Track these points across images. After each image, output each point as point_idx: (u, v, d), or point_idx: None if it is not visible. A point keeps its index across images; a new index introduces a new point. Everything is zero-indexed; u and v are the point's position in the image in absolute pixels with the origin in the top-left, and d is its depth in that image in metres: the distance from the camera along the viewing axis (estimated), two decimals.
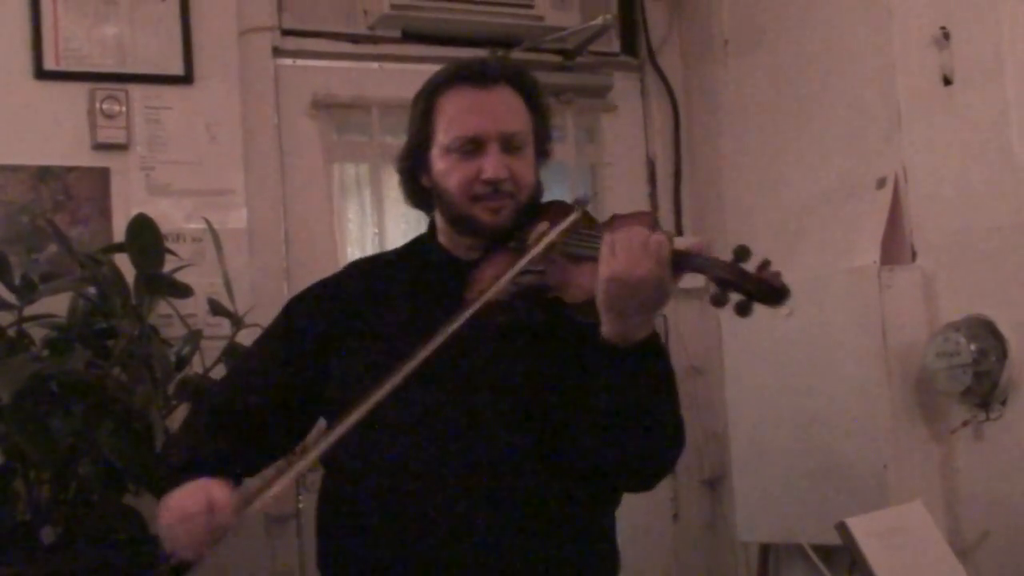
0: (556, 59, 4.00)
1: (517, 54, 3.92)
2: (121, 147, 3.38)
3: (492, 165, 2.19)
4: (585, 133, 4.09)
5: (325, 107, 3.74)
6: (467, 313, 2.04)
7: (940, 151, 3.13)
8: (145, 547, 2.91)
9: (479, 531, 2.10)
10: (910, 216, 3.22)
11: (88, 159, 3.36)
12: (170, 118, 3.44)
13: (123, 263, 3.01)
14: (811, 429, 3.31)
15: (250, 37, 3.61)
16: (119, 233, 3.22)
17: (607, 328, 2.02)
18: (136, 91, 3.41)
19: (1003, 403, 2.97)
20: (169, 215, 3.37)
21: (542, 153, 2.33)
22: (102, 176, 3.37)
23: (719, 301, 1.99)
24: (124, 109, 3.37)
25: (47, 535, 2.90)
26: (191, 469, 2.16)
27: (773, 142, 3.72)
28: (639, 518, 3.99)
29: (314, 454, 2.02)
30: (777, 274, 1.97)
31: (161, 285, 3.01)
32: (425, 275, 2.32)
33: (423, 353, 2.01)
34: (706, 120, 4.04)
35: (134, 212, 3.14)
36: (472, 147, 2.21)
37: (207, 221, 3.23)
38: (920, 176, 3.20)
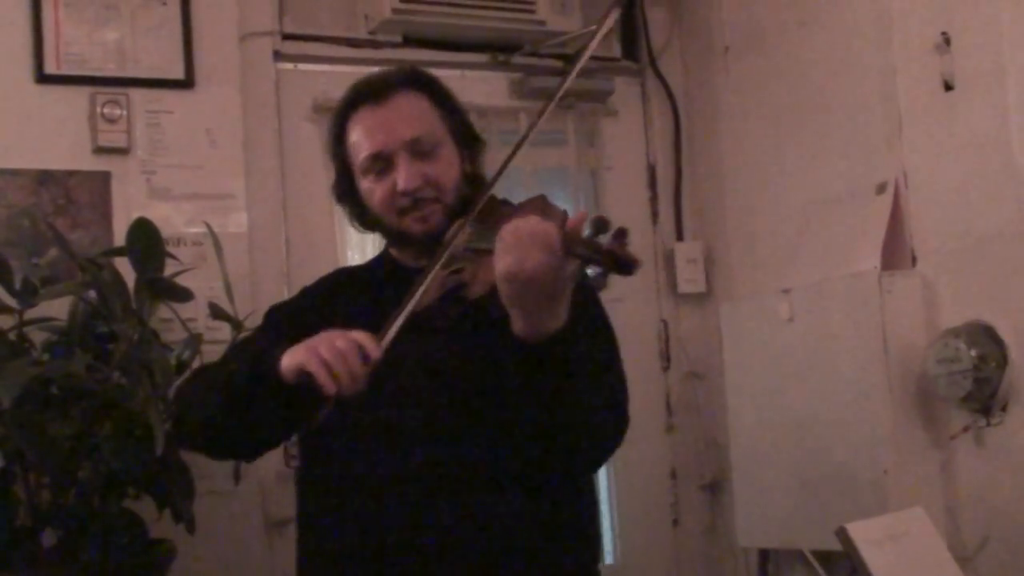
0: (557, 64, 4.00)
1: (518, 59, 3.92)
2: (122, 151, 3.38)
3: (403, 177, 2.23)
4: (586, 137, 4.10)
5: (326, 111, 3.71)
6: (395, 325, 2.07)
7: (941, 156, 3.13)
8: (145, 551, 2.93)
9: (446, 531, 2.13)
10: (910, 222, 3.22)
11: (89, 163, 3.36)
12: (171, 122, 3.44)
13: (124, 267, 3.00)
14: (811, 434, 3.32)
15: (251, 41, 3.61)
16: (120, 237, 3.23)
17: (516, 324, 1.97)
18: (137, 95, 3.41)
19: (1003, 409, 2.96)
20: (170, 219, 3.37)
21: (468, 144, 2.34)
22: (103, 180, 3.37)
23: (581, 276, 1.92)
24: (125, 113, 3.37)
25: (47, 539, 2.89)
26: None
27: (774, 147, 3.72)
28: (639, 523, 4.00)
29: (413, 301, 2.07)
30: (623, 245, 1.84)
31: (162, 289, 3.00)
32: (378, 284, 2.36)
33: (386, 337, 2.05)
34: (707, 125, 4.05)
35: (135, 216, 3.13)
36: (382, 164, 2.25)
37: (208, 225, 3.23)
38: (921, 181, 3.20)
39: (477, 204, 2.17)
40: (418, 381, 2.20)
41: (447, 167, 2.27)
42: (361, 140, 2.28)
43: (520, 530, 2.16)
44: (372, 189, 2.28)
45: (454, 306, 2.15)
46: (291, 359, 2.05)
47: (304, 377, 2.02)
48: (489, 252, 2.01)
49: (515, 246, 1.90)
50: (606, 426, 2.17)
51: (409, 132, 2.25)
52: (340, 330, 2.03)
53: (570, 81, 2.24)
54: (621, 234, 1.85)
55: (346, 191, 2.36)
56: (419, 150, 2.24)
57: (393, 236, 2.33)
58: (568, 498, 2.26)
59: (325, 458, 2.26)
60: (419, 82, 2.33)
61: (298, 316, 2.38)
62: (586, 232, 1.88)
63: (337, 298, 2.39)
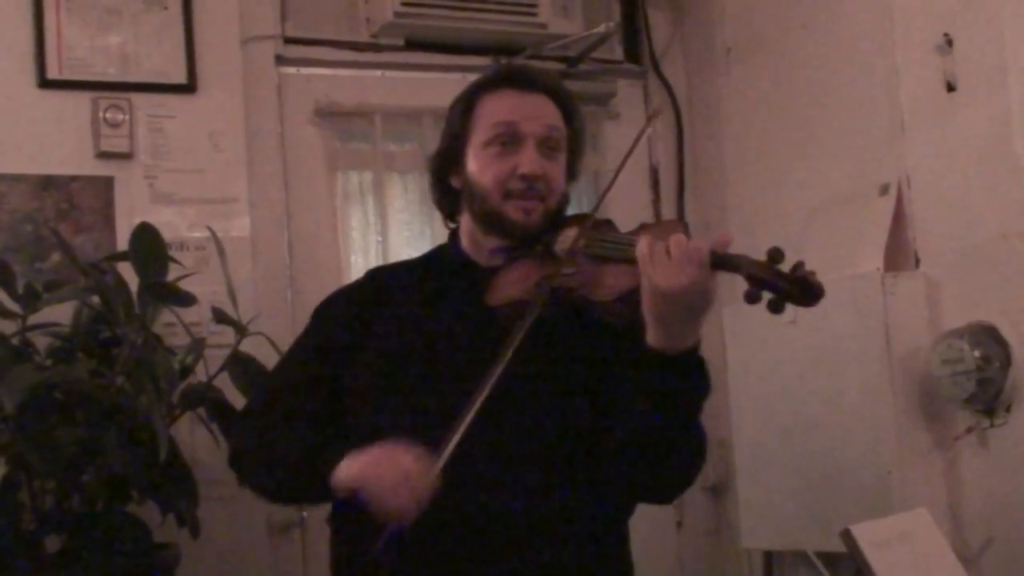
0: (559, 66, 4.00)
1: (520, 61, 3.92)
2: (124, 156, 3.38)
3: (529, 160, 2.20)
4: (588, 140, 4.08)
5: (328, 115, 3.74)
6: (529, 319, 2.03)
7: (943, 158, 3.13)
8: (149, 556, 2.93)
9: (501, 540, 2.09)
10: (913, 223, 3.22)
11: (91, 168, 3.37)
12: (173, 127, 3.45)
13: (127, 272, 3.01)
14: (815, 436, 3.31)
15: (253, 45, 3.62)
16: (123, 242, 3.23)
17: (654, 336, 2.00)
18: (139, 100, 3.41)
19: (1007, 409, 2.96)
20: (173, 223, 3.37)
21: (571, 169, 2.33)
22: (106, 185, 3.37)
23: (753, 298, 1.98)
24: (127, 118, 3.38)
25: (52, 544, 2.90)
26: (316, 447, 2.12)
27: (776, 149, 3.72)
28: (643, 525, 3.97)
29: (468, 417, 1.98)
30: (813, 273, 1.97)
31: (165, 293, 3.00)
32: (443, 279, 2.31)
33: (498, 369, 1.99)
34: (709, 127, 4.05)
35: (137, 221, 3.14)
36: (509, 140, 2.21)
37: (210, 229, 3.23)
38: (923, 183, 3.20)
39: (595, 210, 2.19)
40: (516, 392, 2.11)
41: (561, 174, 2.27)
42: (498, 110, 2.24)
43: (575, 547, 2.15)
44: (487, 164, 2.22)
45: (555, 306, 2.12)
46: (348, 471, 2.03)
47: (358, 495, 1.99)
48: (614, 260, 2.08)
49: (669, 260, 1.94)
50: (702, 452, 2.21)
51: (548, 122, 2.25)
52: (402, 448, 1.97)
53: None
54: (800, 265, 1.96)
55: (446, 163, 2.31)
56: (548, 145, 2.24)
57: (487, 219, 2.24)
58: (624, 518, 2.30)
59: None
60: (561, 94, 2.32)
61: (356, 319, 2.31)
62: (761, 259, 1.98)
63: (400, 292, 2.32)
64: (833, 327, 3.27)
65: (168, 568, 2.95)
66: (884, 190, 3.28)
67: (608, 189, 2.28)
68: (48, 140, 3.33)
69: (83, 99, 3.36)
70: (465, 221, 2.31)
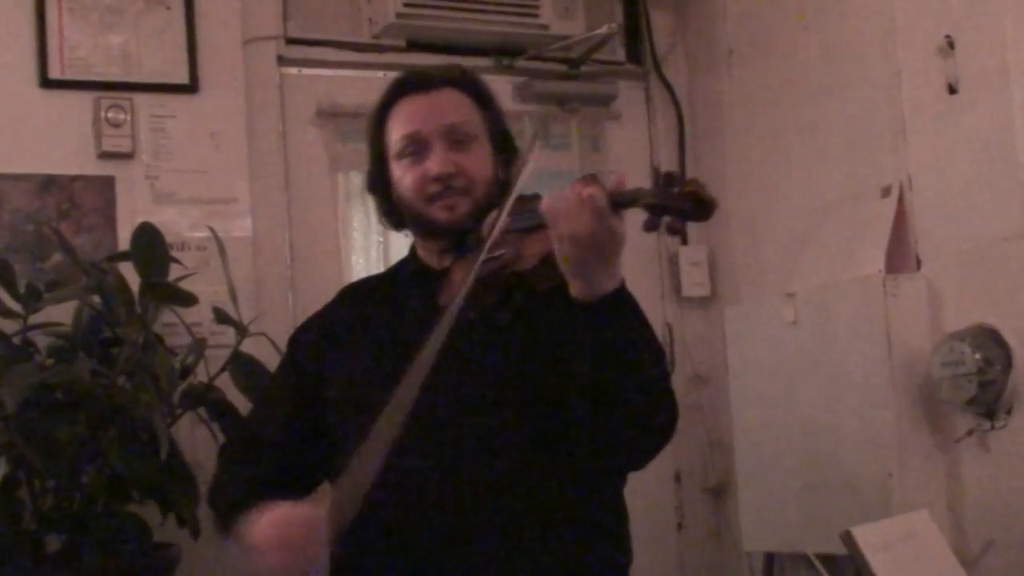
0: (561, 68, 4.01)
1: (522, 63, 3.93)
2: (126, 156, 3.38)
3: (436, 161, 2.24)
4: (590, 141, 4.10)
5: (330, 116, 3.74)
6: (449, 316, 2.02)
7: (945, 160, 3.13)
8: (150, 555, 2.93)
9: (483, 529, 2.11)
10: (915, 225, 3.22)
11: (93, 168, 3.37)
12: (175, 127, 3.45)
13: (128, 272, 3.01)
14: (816, 438, 3.31)
15: (255, 46, 3.62)
16: (124, 242, 3.23)
17: (575, 288, 2.01)
18: (141, 100, 3.41)
19: (1008, 412, 2.96)
20: (174, 224, 3.37)
21: (503, 148, 2.35)
22: (107, 185, 3.37)
23: (651, 226, 1.96)
24: (129, 118, 3.38)
25: (52, 543, 2.90)
26: (249, 500, 2.14)
27: (778, 151, 3.72)
28: (643, 526, 3.97)
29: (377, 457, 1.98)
30: (703, 186, 1.93)
31: (166, 294, 3.00)
32: (403, 288, 2.37)
33: (423, 368, 1.98)
34: (711, 129, 4.05)
35: (139, 221, 3.14)
36: (417, 147, 2.27)
37: (212, 230, 3.23)
38: (925, 185, 3.20)
39: (509, 194, 2.16)
40: (467, 381, 2.18)
41: (480, 162, 2.29)
42: (400, 123, 2.30)
43: (561, 539, 2.14)
44: (404, 174, 2.29)
45: (493, 290, 2.15)
46: (252, 542, 2.05)
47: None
48: (531, 229, 2.09)
49: (565, 211, 1.95)
50: (664, 407, 2.16)
51: (447, 118, 2.28)
52: (287, 510, 2.02)
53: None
54: (693, 181, 1.94)
55: (377, 181, 2.37)
56: (455, 138, 2.27)
57: (418, 224, 2.32)
58: (606, 505, 2.27)
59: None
60: (464, 81, 2.36)
61: (325, 340, 2.37)
62: (654, 185, 1.98)
63: (363, 309, 2.39)
64: (834, 329, 3.27)
65: (168, 568, 2.95)
66: (886, 192, 3.28)
67: (520, 170, 2.21)
68: (50, 140, 3.33)
69: (85, 99, 3.36)
70: (411, 230, 2.39)
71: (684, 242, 3.95)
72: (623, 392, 2.05)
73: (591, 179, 2.10)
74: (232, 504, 2.20)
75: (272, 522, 2.02)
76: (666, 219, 1.95)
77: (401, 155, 2.29)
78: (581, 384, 2.06)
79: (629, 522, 2.33)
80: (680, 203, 1.92)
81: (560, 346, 2.08)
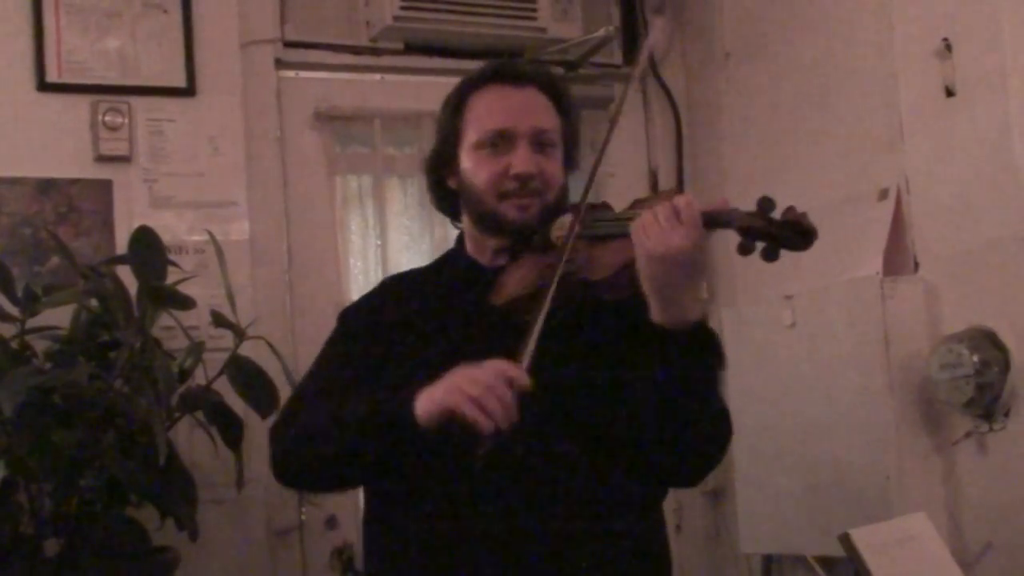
0: (558, 70, 4.01)
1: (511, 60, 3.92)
2: (124, 159, 3.39)
3: (522, 160, 2.18)
4: (587, 144, 4.09)
5: (328, 119, 3.74)
6: (544, 311, 2.01)
7: (942, 162, 3.13)
8: (148, 559, 2.93)
9: (534, 539, 2.07)
10: (912, 227, 3.22)
11: (91, 171, 3.37)
12: (173, 130, 3.45)
13: (126, 275, 3.01)
14: (814, 440, 3.31)
15: (253, 49, 3.62)
16: (122, 245, 3.23)
17: (658, 312, 1.99)
18: (139, 103, 3.41)
19: (1006, 414, 2.96)
20: (172, 227, 3.37)
21: (569, 159, 2.31)
22: (105, 188, 3.37)
23: (746, 249, 1.98)
24: (127, 121, 3.38)
25: (50, 548, 2.90)
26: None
27: (775, 153, 3.72)
28: None
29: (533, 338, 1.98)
30: (804, 215, 1.96)
31: (164, 297, 3.01)
32: (450, 285, 2.29)
33: (526, 359, 1.97)
34: (708, 131, 4.05)
35: (137, 224, 3.14)
36: (502, 142, 2.20)
37: (210, 233, 3.23)
38: (922, 187, 3.20)
39: (585, 195, 2.16)
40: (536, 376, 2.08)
41: (557, 168, 2.25)
42: (489, 113, 2.23)
43: (608, 542, 2.11)
44: (480, 165, 2.21)
45: (558, 294, 2.07)
46: (431, 403, 1.99)
47: (449, 420, 1.95)
48: (606, 238, 2.08)
49: (658, 225, 1.95)
50: (723, 432, 2.15)
51: (540, 121, 2.23)
52: (472, 363, 1.97)
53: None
54: (792, 208, 1.94)
55: (443, 163, 2.29)
56: (541, 142, 2.22)
57: (484, 219, 2.23)
58: (656, 508, 2.25)
59: (418, 479, 2.11)
60: (553, 87, 2.30)
61: (378, 322, 2.28)
62: (751, 209, 1.97)
63: (412, 302, 2.30)
64: (832, 331, 3.27)
65: (166, 571, 2.95)
66: (883, 194, 3.28)
67: (595, 171, 2.22)
68: (47, 143, 3.33)
69: (82, 102, 3.36)
70: (466, 222, 2.30)
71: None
72: (688, 419, 2.05)
73: (673, 191, 2.11)
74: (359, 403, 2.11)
75: (460, 373, 1.97)
76: (761, 245, 1.96)
77: (481, 146, 2.21)
78: (644, 403, 2.05)
79: (668, 539, 2.29)
80: (779, 230, 1.94)
81: (626, 363, 2.06)
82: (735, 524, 3.69)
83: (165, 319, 3.10)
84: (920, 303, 3.16)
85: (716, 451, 2.17)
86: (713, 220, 1.98)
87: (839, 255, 3.38)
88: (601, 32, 3.91)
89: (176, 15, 3.48)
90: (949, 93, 3.09)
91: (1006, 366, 2.94)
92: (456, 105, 2.28)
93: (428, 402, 1.99)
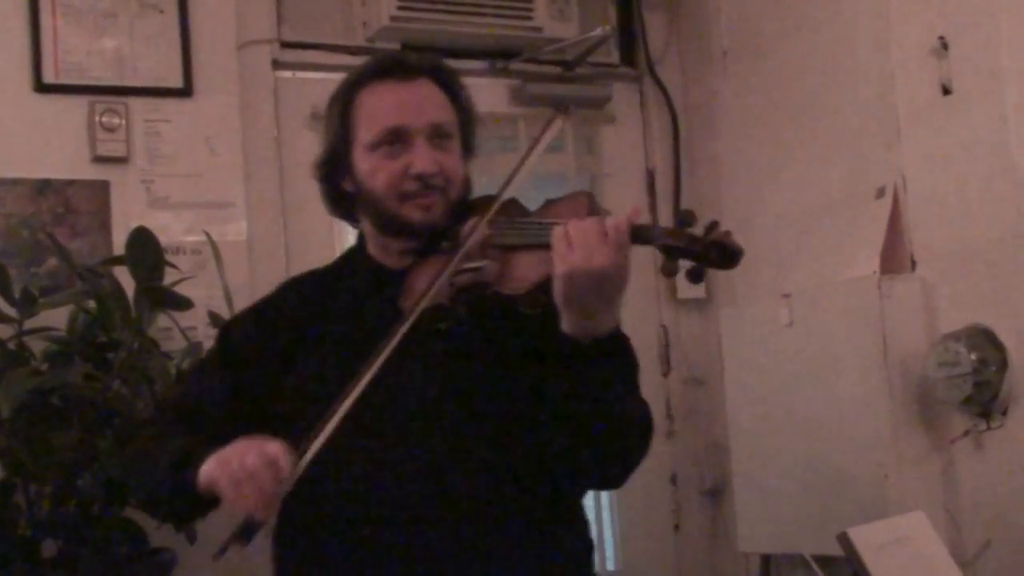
0: (555, 70, 4.01)
1: (516, 65, 3.92)
2: (121, 160, 3.38)
3: (421, 158, 2.08)
4: (584, 144, 4.10)
5: (325, 119, 3.73)
6: (406, 324, 1.94)
7: (939, 161, 3.13)
8: (146, 560, 2.92)
9: (442, 542, 2.01)
10: (910, 226, 3.22)
11: (88, 172, 3.37)
12: (170, 131, 3.45)
13: (123, 276, 3.01)
14: (812, 439, 3.31)
15: (249, 50, 3.62)
16: (119, 246, 3.23)
17: (570, 325, 1.92)
18: (136, 104, 3.41)
19: (1004, 413, 2.96)
20: (169, 228, 3.37)
21: (468, 148, 2.21)
22: (102, 189, 3.37)
23: (669, 271, 1.92)
24: (124, 122, 3.38)
25: (48, 549, 2.90)
26: (194, 450, 2.00)
27: (772, 152, 3.72)
28: (640, 528, 4.00)
29: (338, 415, 1.90)
30: (728, 233, 1.89)
31: (161, 298, 3.00)
32: (357, 288, 2.20)
33: (371, 369, 1.91)
34: (705, 130, 4.05)
35: (134, 225, 3.14)
36: (397, 140, 2.09)
37: (207, 234, 3.23)
38: (919, 186, 3.20)
39: (497, 199, 2.08)
40: (431, 395, 2.05)
41: (457, 162, 2.16)
42: (381, 112, 2.12)
43: (520, 541, 2.06)
44: (377, 167, 2.10)
45: (466, 305, 2.04)
46: (205, 473, 1.93)
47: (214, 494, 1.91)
48: (525, 248, 2.00)
49: (585, 241, 1.88)
50: (640, 440, 2.09)
51: (435, 116, 2.12)
52: (256, 440, 1.88)
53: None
54: (714, 226, 1.88)
55: (335, 166, 2.18)
56: (439, 136, 2.13)
57: (385, 221, 2.13)
58: (569, 521, 2.18)
59: (317, 483, 2.01)
60: (443, 75, 2.20)
61: (270, 342, 2.17)
62: (674, 225, 1.91)
63: (317, 306, 2.20)
64: (829, 330, 3.27)
65: (164, 573, 2.95)
66: (880, 193, 3.29)
67: (516, 172, 2.13)
68: (44, 144, 3.33)
69: (79, 103, 3.36)
70: (366, 225, 2.20)
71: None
72: (605, 430, 2.00)
73: (591, 199, 2.04)
74: (180, 451, 2.04)
75: (237, 448, 1.89)
76: (687, 265, 1.90)
77: (376, 146, 2.10)
78: (557, 416, 1.99)
79: (592, 540, 2.23)
80: (705, 250, 1.88)
81: (538, 374, 2.00)
82: (733, 523, 3.69)
83: (163, 320, 3.10)
84: (918, 302, 3.16)
85: (635, 454, 2.10)
86: (637, 236, 1.91)
87: (836, 254, 3.38)
88: (598, 31, 3.90)
89: (173, 16, 3.47)
90: (946, 91, 3.09)
91: (1004, 364, 2.94)
92: (344, 105, 2.17)
93: (204, 471, 1.93)
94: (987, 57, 2.98)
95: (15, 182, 3.29)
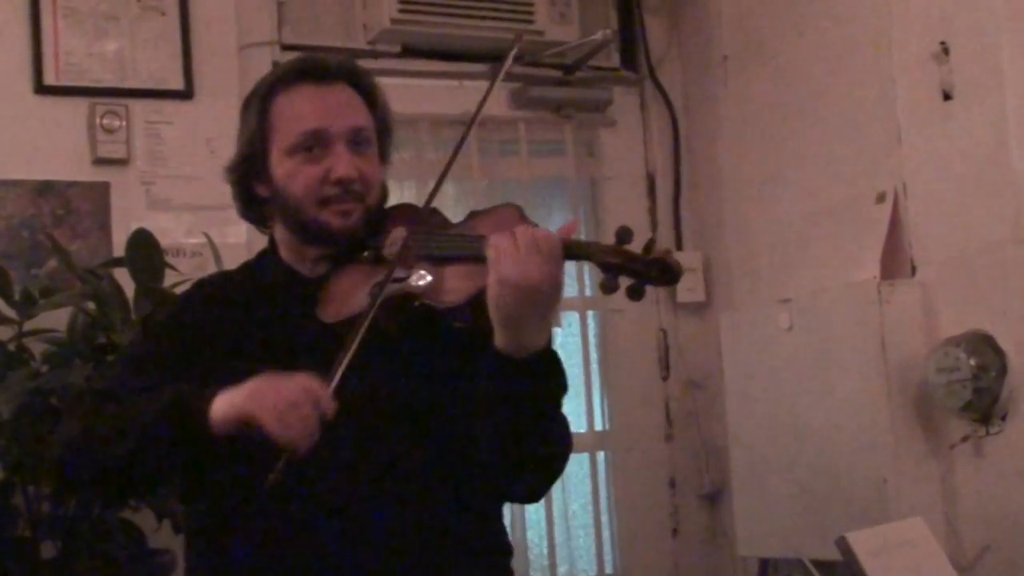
0: (556, 74, 4.01)
1: (517, 68, 3.92)
2: (121, 162, 3.38)
3: (342, 163, 2.04)
4: (584, 147, 4.10)
5: None
6: (359, 334, 1.89)
7: (940, 166, 3.13)
8: (145, 561, 2.92)
9: (363, 548, 1.97)
10: (910, 231, 3.22)
11: (88, 174, 3.37)
12: (170, 133, 3.45)
13: (123, 277, 3.01)
14: (811, 443, 3.31)
15: (250, 52, 3.62)
16: (119, 248, 3.23)
17: (503, 340, 1.89)
18: (136, 106, 3.41)
19: (1003, 418, 2.96)
20: (169, 230, 3.37)
21: (384, 155, 2.18)
22: (102, 191, 3.37)
23: (609, 288, 1.87)
24: (124, 124, 3.38)
25: (47, 550, 2.90)
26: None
27: (773, 157, 3.73)
28: (638, 532, 4.00)
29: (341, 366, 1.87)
30: (668, 252, 1.86)
31: (161, 300, 3.00)
32: (271, 294, 2.14)
33: (339, 371, 1.87)
34: (706, 134, 4.05)
35: (134, 227, 3.13)
36: (316, 144, 2.05)
37: (207, 236, 3.23)
38: (920, 191, 3.20)
39: (423, 212, 2.06)
40: (357, 405, 1.97)
41: (376, 168, 2.12)
42: (300, 114, 2.07)
43: (445, 546, 2.04)
44: (296, 172, 2.05)
45: (396, 315, 1.99)
46: (229, 406, 1.87)
47: (246, 429, 1.84)
48: (455, 260, 1.96)
49: (516, 254, 1.85)
50: (560, 453, 2.06)
51: (354, 120, 2.09)
52: (280, 374, 1.86)
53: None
54: (651, 244, 1.85)
55: (248, 169, 2.14)
56: (358, 141, 2.07)
57: (302, 227, 2.08)
58: (494, 515, 2.17)
59: (244, 486, 1.97)
60: (361, 79, 2.16)
61: (185, 332, 2.11)
62: (611, 242, 1.86)
63: (227, 310, 2.13)
64: (829, 335, 3.27)
65: (164, 574, 2.94)
66: (880, 198, 3.29)
67: (440, 181, 2.09)
68: (45, 146, 3.33)
69: (80, 105, 3.36)
70: (280, 230, 2.15)
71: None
72: (530, 443, 1.97)
73: (521, 212, 2.01)
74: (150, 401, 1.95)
75: (266, 380, 1.85)
76: (627, 282, 1.86)
77: (294, 151, 2.06)
78: (484, 429, 1.97)
79: (511, 546, 2.19)
80: (645, 268, 1.84)
81: (466, 387, 1.97)
82: (732, 527, 3.69)
83: None
84: (917, 307, 3.16)
85: (552, 471, 2.07)
86: (572, 251, 1.88)
87: (836, 259, 3.39)
88: (598, 35, 3.90)
89: (174, 18, 3.47)
90: (946, 96, 3.09)
91: (1003, 370, 2.94)
92: (261, 107, 2.12)
93: (227, 405, 1.87)
94: (988, 62, 2.98)
95: (15, 183, 3.29)
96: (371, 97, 2.15)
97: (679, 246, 4.08)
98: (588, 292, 3.93)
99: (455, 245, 1.99)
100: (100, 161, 3.37)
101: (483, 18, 3.81)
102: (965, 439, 3.05)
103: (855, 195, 3.38)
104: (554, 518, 3.87)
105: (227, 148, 3.44)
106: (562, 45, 3.92)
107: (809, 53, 3.57)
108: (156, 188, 3.42)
